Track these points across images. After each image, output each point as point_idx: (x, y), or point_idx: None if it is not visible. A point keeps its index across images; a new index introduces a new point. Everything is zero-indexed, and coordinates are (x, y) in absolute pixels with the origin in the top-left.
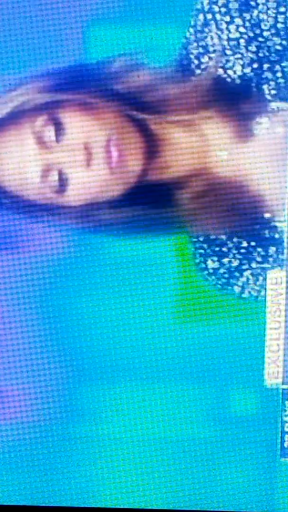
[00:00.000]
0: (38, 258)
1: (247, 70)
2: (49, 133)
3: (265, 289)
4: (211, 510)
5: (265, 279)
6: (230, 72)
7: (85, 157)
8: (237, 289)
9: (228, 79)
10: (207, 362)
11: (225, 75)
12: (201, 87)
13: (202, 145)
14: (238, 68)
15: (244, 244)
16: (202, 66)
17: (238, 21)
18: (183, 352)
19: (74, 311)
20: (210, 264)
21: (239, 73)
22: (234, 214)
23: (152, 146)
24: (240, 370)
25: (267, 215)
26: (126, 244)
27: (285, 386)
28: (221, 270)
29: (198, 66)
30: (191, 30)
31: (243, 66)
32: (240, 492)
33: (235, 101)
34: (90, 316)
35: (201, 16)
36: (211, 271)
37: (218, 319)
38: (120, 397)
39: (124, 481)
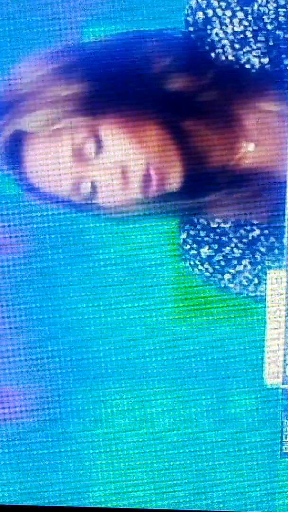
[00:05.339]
0: (38, 259)
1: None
2: (88, 148)
3: (258, 283)
4: (211, 510)
5: (262, 269)
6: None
7: (121, 180)
8: (227, 277)
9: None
10: (207, 362)
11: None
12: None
13: (231, 140)
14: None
15: (255, 233)
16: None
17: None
18: (183, 352)
19: (72, 311)
20: (205, 251)
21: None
22: (256, 204)
23: (188, 154)
24: (240, 370)
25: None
26: (125, 244)
27: (285, 386)
28: (217, 257)
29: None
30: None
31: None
32: (240, 492)
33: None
34: (89, 316)
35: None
36: (204, 258)
37: (218, 319)
38: (120, 397)
39: (124, 481)
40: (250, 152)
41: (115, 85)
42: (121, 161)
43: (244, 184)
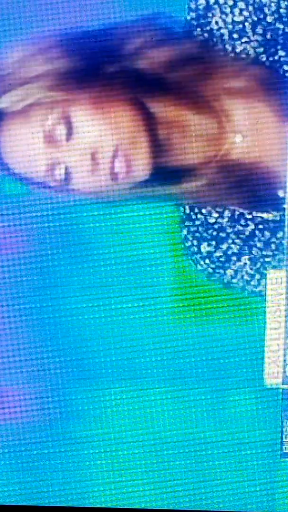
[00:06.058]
0: (37, 259)
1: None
2: (59, 131)
3: (260, 278)
4: (211, 510)
5: (262, 265)
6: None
7: (91, 165)
8: (229, 273)
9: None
10: (207, 362)
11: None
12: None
13: (218, 131)
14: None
15: (250, 228)
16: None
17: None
18: (183, 352)
19: (72, 311)
20: (205, 247)
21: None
22: (247, 197)
23: (161, 141)
24: (240, 370)
25: (276, 202)
26: (126, 243)
27: (285, 386)
28: (217, 253)
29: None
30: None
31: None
32: (240, 492)
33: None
34: (89, 316)
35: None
36: (204, 254)
37: (218, 319)
38: (120, 397)
39: (124, 481)
40: (234, 144)
41: (89, 66)
42: (91, 144)
43: (220, 176)
